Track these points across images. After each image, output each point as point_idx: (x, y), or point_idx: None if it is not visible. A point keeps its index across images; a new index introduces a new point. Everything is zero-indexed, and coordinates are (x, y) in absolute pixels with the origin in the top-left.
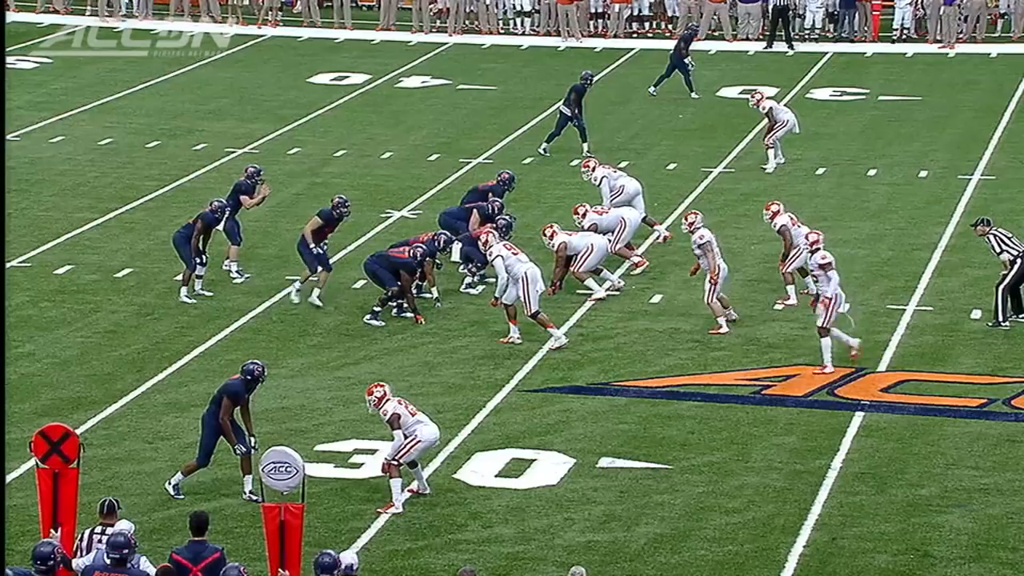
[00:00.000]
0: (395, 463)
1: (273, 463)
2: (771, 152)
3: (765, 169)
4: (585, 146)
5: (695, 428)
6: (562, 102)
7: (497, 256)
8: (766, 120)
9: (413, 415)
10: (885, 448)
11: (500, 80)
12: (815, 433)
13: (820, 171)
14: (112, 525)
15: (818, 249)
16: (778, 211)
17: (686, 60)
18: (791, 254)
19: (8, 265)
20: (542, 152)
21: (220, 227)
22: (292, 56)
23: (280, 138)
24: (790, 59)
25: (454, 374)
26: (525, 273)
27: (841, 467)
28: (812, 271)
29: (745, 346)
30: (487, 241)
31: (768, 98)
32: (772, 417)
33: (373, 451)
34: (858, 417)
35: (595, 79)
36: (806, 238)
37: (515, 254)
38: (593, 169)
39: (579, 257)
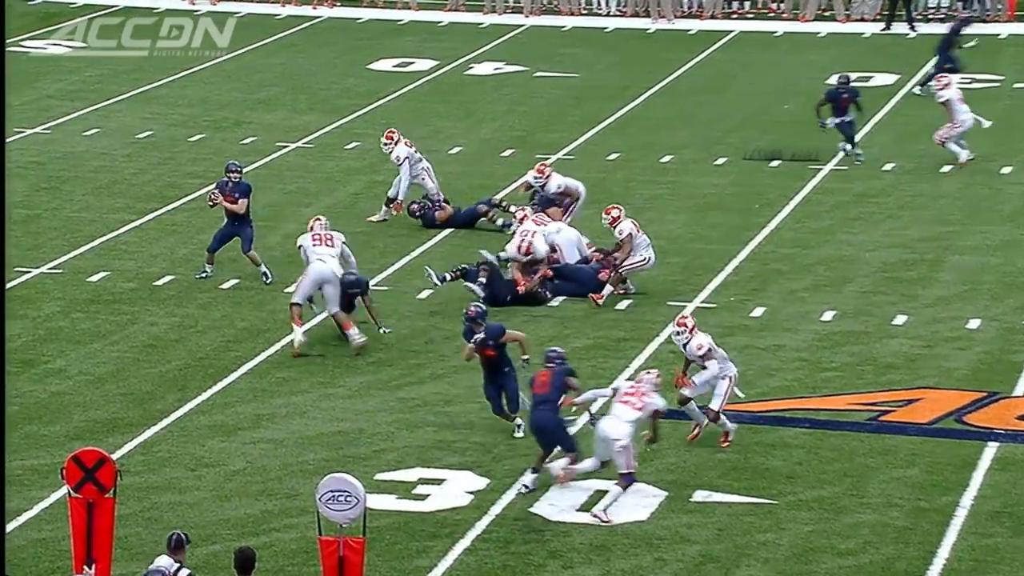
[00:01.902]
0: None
1: (331, 492)
2: (953, 146)
3: (959, 163)
4: (847, 146)
5: (803, 458)
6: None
7: (300, 246)
8: (944, 110)
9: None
10: (1023, 484)
11: (582, 67)
12: (941, 466)
13: (945, 169)
14: (181, 562)
15: (691, 334)
16: (619, 216)
17: (953, 54)
18: (626, 257)
19: (37, 271)
20: (851, 155)
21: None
22: (350, 40)
23: (337, 131)
24: (911, 42)
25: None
26: (310, 270)
27: (972, 505)
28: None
29: (860, 366)
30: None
31: (948, 87)
32: (891, 447)
33: (440, 481)
34: (991, 448)
35: (688, 65)
36: (678, 323)
37: (321, 245)
38: (396, 143)
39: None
